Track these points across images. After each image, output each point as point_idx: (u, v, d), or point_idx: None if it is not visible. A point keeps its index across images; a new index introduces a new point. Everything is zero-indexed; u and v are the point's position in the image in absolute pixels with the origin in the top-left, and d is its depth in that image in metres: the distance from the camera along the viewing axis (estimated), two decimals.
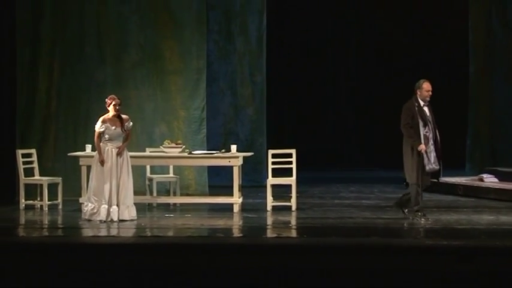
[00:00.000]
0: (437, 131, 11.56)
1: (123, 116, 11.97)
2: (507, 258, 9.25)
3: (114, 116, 11.91)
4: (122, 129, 11.90)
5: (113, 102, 11.91)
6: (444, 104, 11.85)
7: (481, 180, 14.85)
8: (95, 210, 11.81)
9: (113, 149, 11.87)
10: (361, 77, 20.01)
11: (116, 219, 11.75)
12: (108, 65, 14.47)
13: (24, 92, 14.33)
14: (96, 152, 11.94)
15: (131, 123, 12.04)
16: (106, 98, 12.07)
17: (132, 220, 11.84)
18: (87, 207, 11.88)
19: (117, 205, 11.81)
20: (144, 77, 14.52)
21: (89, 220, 11.77)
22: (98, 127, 11.91)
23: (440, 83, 11.75)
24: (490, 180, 14.78)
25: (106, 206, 11.78)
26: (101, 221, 11.71)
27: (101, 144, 11.89)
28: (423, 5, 19.19)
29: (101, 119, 11.96)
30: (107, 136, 11.87)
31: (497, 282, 8.65)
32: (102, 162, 11.81)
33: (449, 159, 11.78)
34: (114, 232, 11.16)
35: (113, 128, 11.87)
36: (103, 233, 11.07)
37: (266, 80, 16.49)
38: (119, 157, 11.87)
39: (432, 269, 9.00)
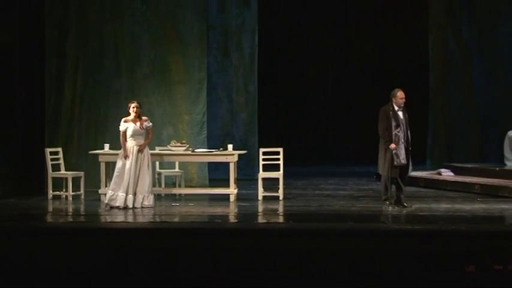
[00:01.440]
0: (409, 132, 11.63)
1: (143, 117, 12.03)
2: (461, 240, 9.26)
3: (134, 116, 11.94)
4: (140, 127, 11.90)
5: (132, 105, 11.99)
6: (408, 108, 11.83)
7: (439, 174, 14.85)
8: (114, 197, 11.83)
9: (135, 146, 11.89)
10: (339, 87, 20.01)
11: (131, 206, 11.77)
12: (123, 76, 14.43)
13: (52, 99, 14.29)
14: (122, 149, 11.95)
15: (150, 124, 12.07)
16: (122, 104, 12.17)
17: (149, 207, 11.83)
18: (108, 193, 11.90)
19: (134, 194, 11.81)
20: (154, 87, 14.49)
21: (107, 204, 11.79)
22: (121, 126, 11.97)
23: (404, 90, 11.75)
24: (446, 174, 14.78)
25: (124, 195, 11.79)
26: (118, 207, 11.72)
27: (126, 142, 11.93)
28: (392, 25, 19.33)
29: (122, 119, 12.03)
30: (128, 133, 11.92)
31: (452, 260, 8.65)
32: (126, 157, 11.83)
33: (412, 156, 11.78)
34: (128, 218, 11.12)
35: (133, 125, 11.90)
36: (119, 219, 11.02)
37: (257, 89, 16.46)
38: (140, 153, 11.88)
39: (398, 249, 8.99)
